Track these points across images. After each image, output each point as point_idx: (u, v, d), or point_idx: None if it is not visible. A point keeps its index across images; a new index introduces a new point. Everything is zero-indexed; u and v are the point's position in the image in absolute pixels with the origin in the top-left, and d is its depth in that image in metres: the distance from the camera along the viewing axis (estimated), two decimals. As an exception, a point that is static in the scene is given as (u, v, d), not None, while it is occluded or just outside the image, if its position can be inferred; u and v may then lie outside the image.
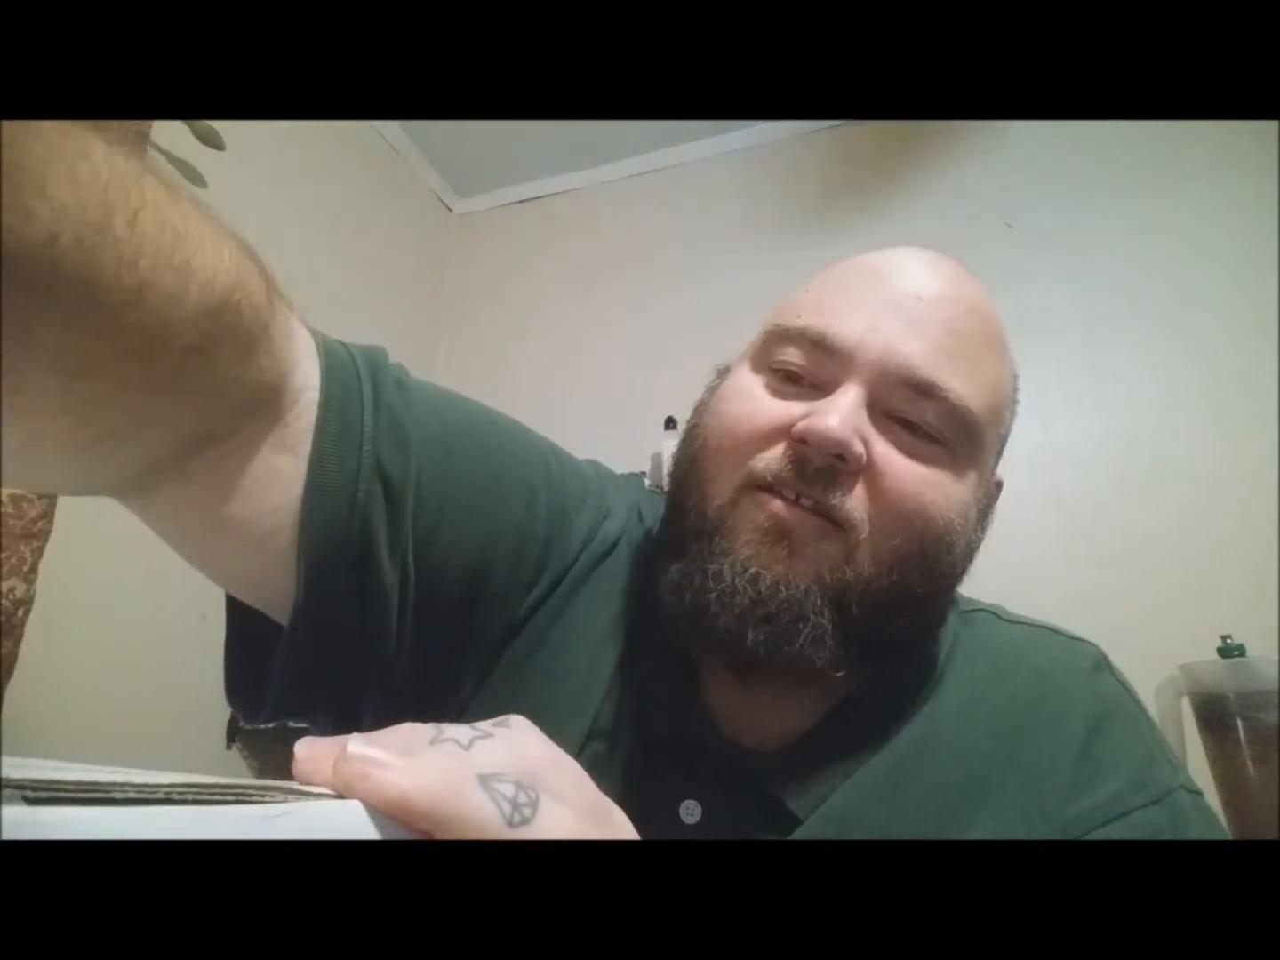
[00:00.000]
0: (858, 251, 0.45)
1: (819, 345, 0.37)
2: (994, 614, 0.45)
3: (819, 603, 0.34)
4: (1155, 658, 0.77)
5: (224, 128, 1.22)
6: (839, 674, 0.35)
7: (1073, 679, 0.40)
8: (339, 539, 0.33)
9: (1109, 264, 1.75)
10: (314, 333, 0.36)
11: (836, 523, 0.35)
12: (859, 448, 0.34)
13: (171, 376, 0.26)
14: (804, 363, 0.38)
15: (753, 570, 0.34)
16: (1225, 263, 1.65)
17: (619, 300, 2.16)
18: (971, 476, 0.38)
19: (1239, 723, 0.64)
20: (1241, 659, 0.68)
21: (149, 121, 1.30)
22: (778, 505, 0.35)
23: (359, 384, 0.35)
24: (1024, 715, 0.38)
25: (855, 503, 0.35)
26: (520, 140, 2.22)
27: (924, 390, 0.36)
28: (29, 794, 0.12)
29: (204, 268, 0.26)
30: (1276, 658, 0.63)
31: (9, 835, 0.12)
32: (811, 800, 0.36)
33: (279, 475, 0.32)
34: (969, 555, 0.39)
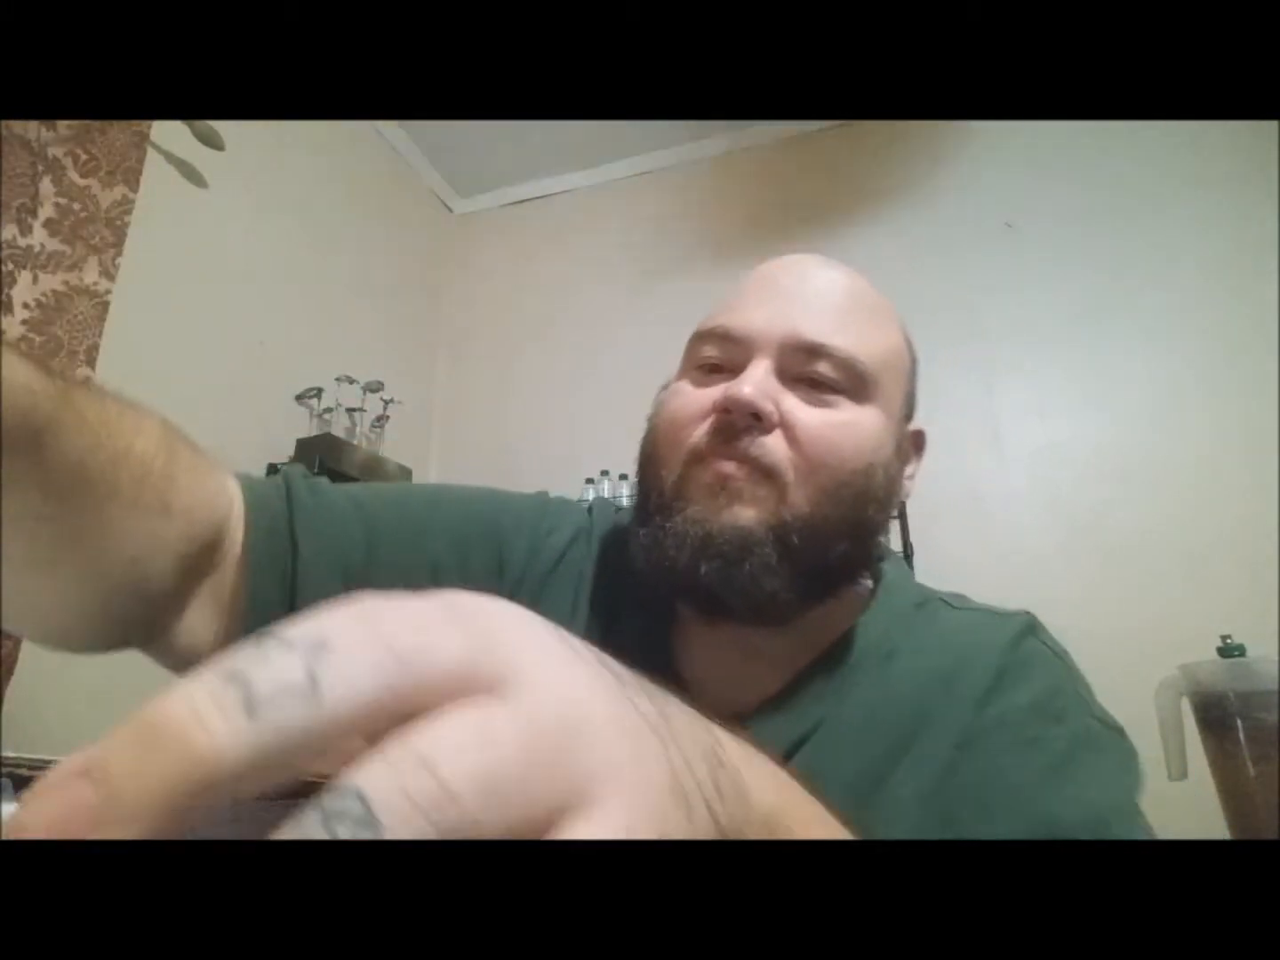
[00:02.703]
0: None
1: (728, 337, 0.45)
2: (946, 602, 0.49)
3: (762, 537, 0.40)
4: (1155, 658, 0.77)
5: (224, 128, 1.22)
6: (791, 598, 0.41)
7: (998, 639, 0.44)
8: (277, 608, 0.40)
9: (1109, 264, 1.75)
10: (239, 475, 0.43)
11: (766, 471, 0.41)
12: (769, 405, 0.41)
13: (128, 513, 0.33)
14: (719, 354, 0.45)
15: (701, 518, 0.41)
16: (1226, 263, 1.66)
17: (619, 300, 2.17)
18: (875, 415, 0.44)
19: (1239, 723, 0.64)
20: (1241, 659, 0.68)
21: (149, 121, 1.31)
22: (716, 465, 0.41)
23: (283, 505, 0.42)
24: (954, 672, 0.43)
25: (779, 452, 0.41)
26: (520, 140, 2.22)
27: (816, 351, 0.43)
28: (23, 772, 0.13)
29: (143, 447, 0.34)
30: (1276, 658, 0.63)
31: None
32: (781, 750, 0.40)
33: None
34: (891, 485, 0.45)
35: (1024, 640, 0.44)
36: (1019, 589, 1.60)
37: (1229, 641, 0.69)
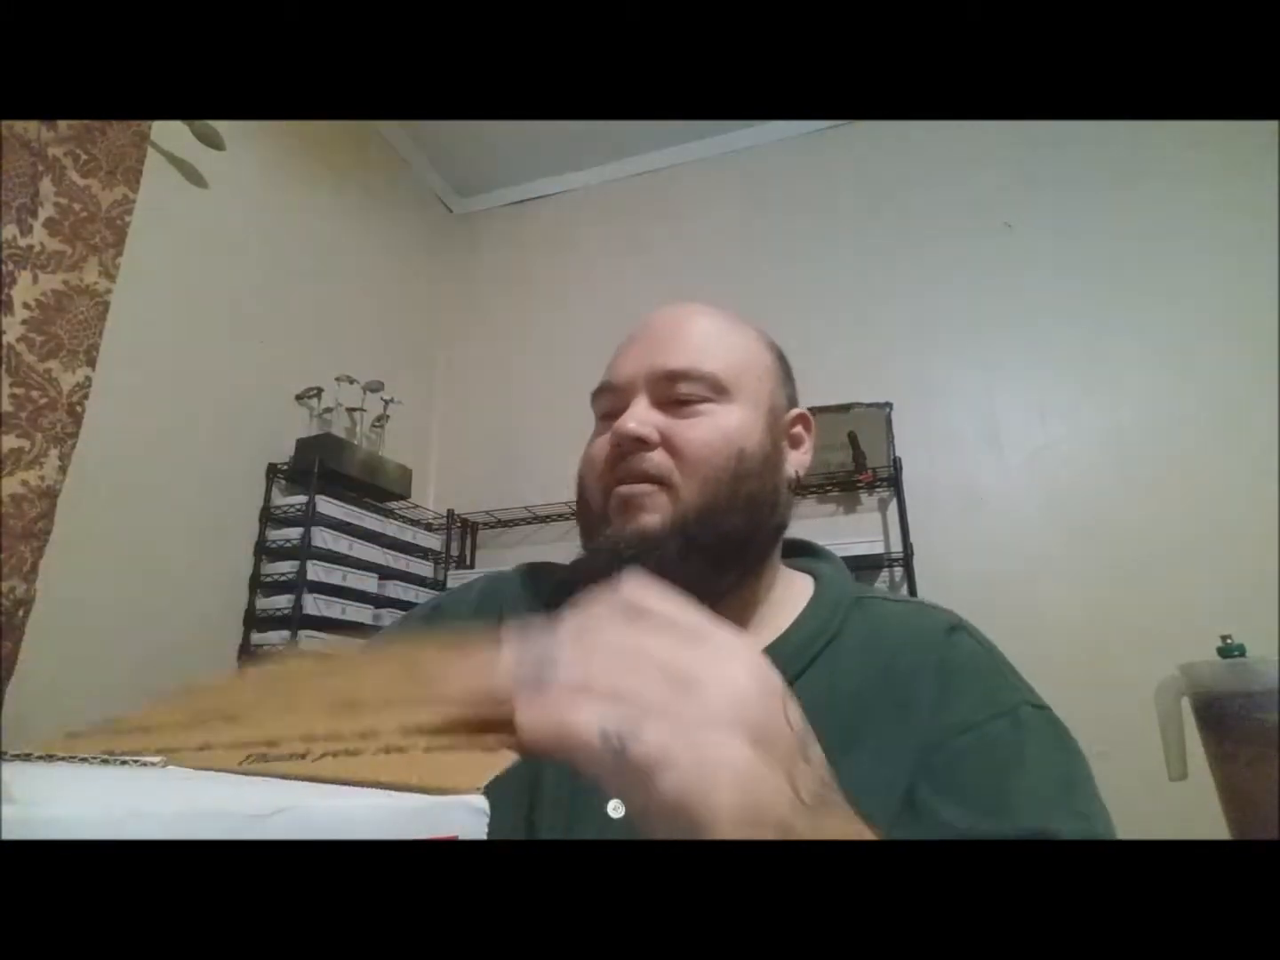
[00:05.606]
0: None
1: (612, 389, 0.56)
2: (883, 598, 0.57)
3: (664, 536, 0.49)
4: (1155, 658, 0.77)
5: (224, 128, 1.22)
6: (704, 576, 0.49)
7: (934, 636, 0.51)
8: None
9: (1110, 265, 1.75)
10: None
11: (659, 481, 0.51)
12: (648, 429, 0.51)
13: None
14: (610, 404, 0.56)
15: (617, 535, 0.51)
16: (1226, 263, 1.66)
17: (619, 300, 2.16)
18: (738, 410, 0.53)
19: (1239, 723, 0.64)
20: (1241, 659, 0.68)
21: (149, 121, 1.31)
22: (621, 489, 0.51)
23: None
24: (890, 665, 0.49)
25: (665, 464, 0.51)
26: (520, 140, 2.22)
27: (675, 376, 0.53)
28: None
29: None
30: (1276, 658, 0.63)
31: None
32: None
33: None
34: (767, 462, 0.53)
35: (954, 634, 0.51)
36: (1019, 589, 1.61)
37: (1229, 641, 0.69)
